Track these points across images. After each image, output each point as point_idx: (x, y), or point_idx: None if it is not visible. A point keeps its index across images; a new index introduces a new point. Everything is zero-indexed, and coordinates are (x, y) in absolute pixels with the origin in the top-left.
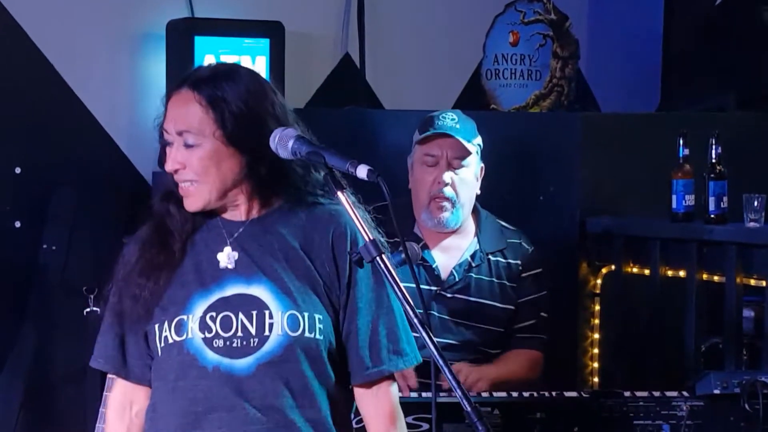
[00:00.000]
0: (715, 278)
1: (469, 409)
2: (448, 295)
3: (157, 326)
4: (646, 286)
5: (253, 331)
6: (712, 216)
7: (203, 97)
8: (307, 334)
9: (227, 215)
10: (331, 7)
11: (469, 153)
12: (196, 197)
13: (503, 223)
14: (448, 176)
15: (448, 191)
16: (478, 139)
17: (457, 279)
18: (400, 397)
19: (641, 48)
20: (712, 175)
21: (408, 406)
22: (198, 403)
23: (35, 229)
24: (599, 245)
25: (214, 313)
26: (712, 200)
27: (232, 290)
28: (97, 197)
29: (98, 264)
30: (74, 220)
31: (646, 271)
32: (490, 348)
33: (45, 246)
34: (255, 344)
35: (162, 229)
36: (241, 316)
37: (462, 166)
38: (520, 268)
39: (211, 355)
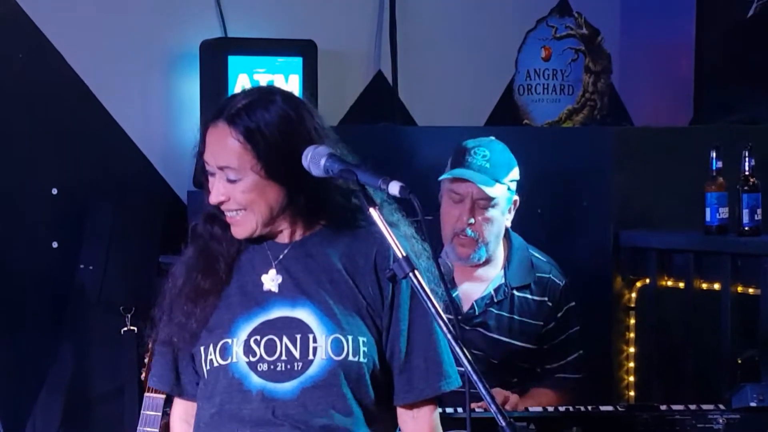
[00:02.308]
0: (750, 291)
1: (503, 424)
2: (466, 328)
3: (202, 348)
4: (681, 299)
5: (297, 354)
6: (746, 228)
7: (240, 133)
8: (350, 357)
9: (271, 238)
10: (363, 25)
11: (492, 198)
12: (244, 225)
13: (535, 254)
14: (471, 219)
15: (470, 231)
16: (513, 173)
17: (477, 312)
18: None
19: (673, 61)
20: (746, 188)
21: (443, 422)
22: (245, 426)
23: (72, 248)
24: (633, 259)
25: (258, 337)
26: (745, 213)
27: (276, 313)
28: (133, 216)
29: (135, 283)
30: (110, 239)
31: (681, 285)
32: (510, 377)
33: (82, 265)
34: (299, 368)
35: (206, 254)
36: (285, 339)
37: (488, 207)
38: (550, 305)
39: (256, 380)
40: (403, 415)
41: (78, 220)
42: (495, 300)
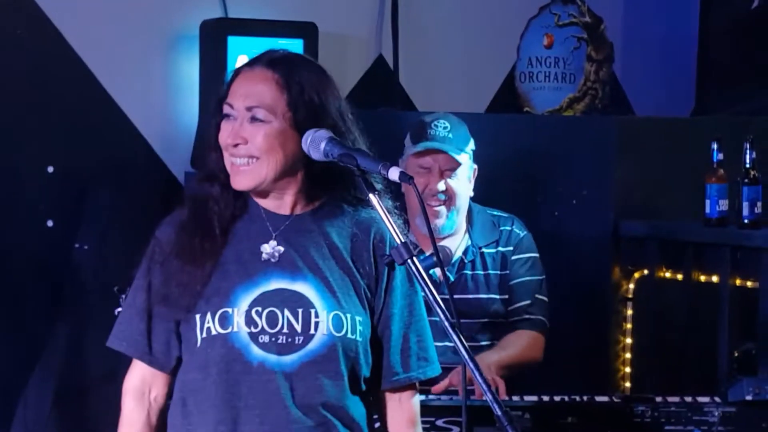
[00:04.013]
0: (749, 283)
1: (499, 413)
2: (446, 297)
3: (198, 316)
4: (679, 290)
5: (298, 328)
6: (746, 221)
7: (280, 77)
8: (349, 335)
9: (271, 207)
10: (365, 8)
11: (460, 164)
12: (251, 175)
13: (495, 212)
14: (441, 184)
15: (442, 194)
16: (471, 144)
17: (451, 279)
18: (432, 400)
19: (676, 51)
20: (747, 180)
21: (439, 410)
22: (241, 398)
23: (68, 228)
24: (632, 249)
25: (259, 308)
26: (746, 205)
27: (275, 284)
28: (130, 197)
29: (130, 263)
30: (107, 219)
31: (679, 276)
32: (495, 340)
33: (77, 245)
34: (300, 342)
35: (202, 214)
36: (287, 312)
37: (454, 175)
38: (511, 250)
39: (257, 351)
40: (387, 399)
41: (74, 199)
42: (466, 261)
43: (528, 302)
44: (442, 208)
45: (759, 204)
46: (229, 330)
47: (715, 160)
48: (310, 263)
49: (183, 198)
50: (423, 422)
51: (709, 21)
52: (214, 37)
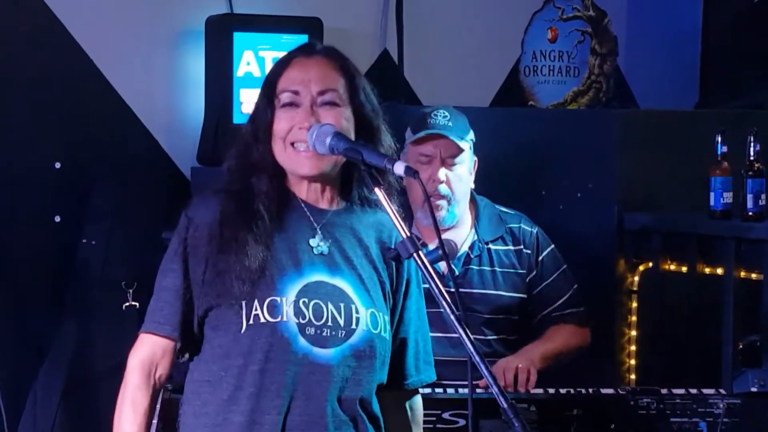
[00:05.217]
0: (753, 276)
1: (505, 405)
2: (451, 290)
3: (244, 302)
4: (684, 283)
5: (341, 322)
6: (750, 213)
7: (342, 66)
8: (383, 333)
9: (311, 200)
10: (370, 3)
11: (462, 150)
12: (322, 160)
13: (502, 209)
14: (442, 173)
15: (443, 189)
16: (471, 134)
17: (456, 273)
18: (438, 393)
19: (680, 45)
20: (750, 173)
21: (445, 403)
22: (285, 388)
23: (75, 223)
24: (637, 242)
25: (306, 299)
26: (750, 198)
27: (316, 277)
28: (136, 192)
29: (137, 259)
30: (113, 215)
31: (684, 269)
32: (508, 335)
33: (84, 240)
34: (342, 336)
35: (249, 208)
36: (330, 306)
37: (456, 164)
38: (528, 252)
39: (303, 342)
40: (396, 399)
41: (81, 195)
42: (472, 256)
43: (563, 299)
44: (443, 202)
45: (763, 196)
46: (278, 319)
47: (719, 152)
48: (346, 259)
49: (220, 189)
50: (430, 415)
51: (713, 13)
52: (219, 33)
